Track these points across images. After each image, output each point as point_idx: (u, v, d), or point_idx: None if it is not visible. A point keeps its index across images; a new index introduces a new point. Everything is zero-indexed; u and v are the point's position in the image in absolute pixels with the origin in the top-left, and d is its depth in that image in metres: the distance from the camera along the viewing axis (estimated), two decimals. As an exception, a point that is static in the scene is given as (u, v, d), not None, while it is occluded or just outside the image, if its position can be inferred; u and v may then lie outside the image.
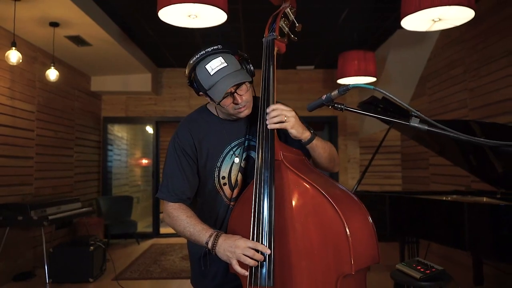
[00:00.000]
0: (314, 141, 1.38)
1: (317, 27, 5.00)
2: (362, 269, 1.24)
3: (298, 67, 6.93)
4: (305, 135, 1.37)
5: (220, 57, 1.32)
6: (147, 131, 8.54)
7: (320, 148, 1.42)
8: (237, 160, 1.48)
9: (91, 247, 4.23)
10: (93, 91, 6.55)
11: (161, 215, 6.58)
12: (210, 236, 1.35)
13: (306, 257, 1.24)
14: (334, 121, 7.08)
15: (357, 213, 1.30)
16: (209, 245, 1.34)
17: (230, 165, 1.49)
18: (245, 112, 1.43)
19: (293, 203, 1.29)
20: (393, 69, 5.65)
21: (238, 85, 1.35)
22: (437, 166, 5.14)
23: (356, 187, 3.84)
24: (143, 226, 7.47)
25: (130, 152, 9.10)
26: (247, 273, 1.28)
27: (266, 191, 1.30)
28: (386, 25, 4.97)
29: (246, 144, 1.51)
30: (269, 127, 1.32)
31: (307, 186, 1.27)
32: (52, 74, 4.24)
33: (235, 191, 1.51)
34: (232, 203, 1.51)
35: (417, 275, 1.85)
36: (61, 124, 5.51)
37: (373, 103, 3.41)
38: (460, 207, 2.63)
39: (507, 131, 2.90)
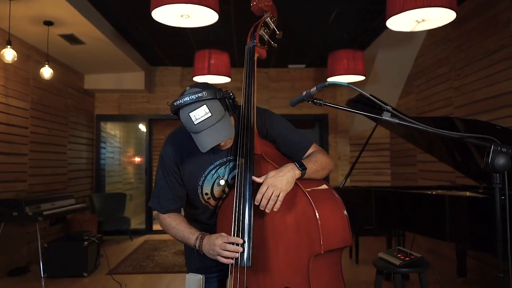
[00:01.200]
0: (306, 175, 1.43)
1: (308, 27, 5.11)
2: (333, 250, 1.36)
3: (290, 66, 7.04)
4: (296, 177, 1.39)
5: (205, 106, 1.35)
6: (140, 129, 8.59)
7: (312, 175, 1.46)
8: (222, 182, 1.57)
9: (85, 243, 4.30)
10: (87, 89, 6.60)
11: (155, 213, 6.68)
12: (196, 239, 1.51)
13: (281, 239, 1.39)
14: (325, 119, 7.20)
15: (329, 200, 1.44)
16: (196, 246, 1.51)
17: (212, 183, 1.59)
18: (227, 146, 1.53)
19: None
20: (382, 68, 5.77)
21: None
22: (425, 163, 5.27)
23: (344, 182, 3.95)
24: (136, 222, 7.53)
25: (123, 149, 9.14)
26: (231, 261, 1.42)
27: (247, 181, 1.42)
28: (374, 25, 5.09)
29: (230, 164, 1.58)
30: (275, 209, 1.37)
31: None
32: (47, 72, 4.30)
33: (219, 202, 1.63)
34: (213, 208, 1.66)
35: (397, 262, 1.96)
36: (55, 122, 5.57)
37: (360, 100, 3.52)
38: (442, 200, 2.76)
39: (488, 127, 3.03)
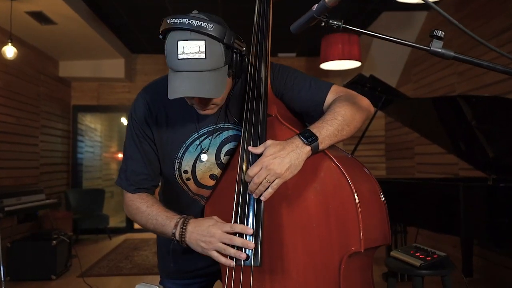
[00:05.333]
0: (321, 146, 1.02)
1: (299, 12, 4.75)
2: (372, 248, 1.00)
3: (280, 55, 6.68)
4: (304, 157, 1.00)
5: (202, 42, 0.97)
6: (122, 123, 8.18)
7: (333, 139, 1.05)
8: (204, 157, 1.17)
9: (54, 242, 3.88)
10: (62, 77, 6.14)
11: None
12: (176, 225, 1.08)
13: (302, 231, 1.00)
14: (317, 111, 6.87)
15: (367, 181, 1.05)
16: (177, 235, 1.07)
17: (195, 158, 1.18)
18: (208, 112, 1.11)
19: None
20: (378, 54, 5.45)
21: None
22: (423, 155, 4.96)
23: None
24: (117, 221, 7.10)
25: (104, 144, 8.73)
26: (233, 264, 1.01)
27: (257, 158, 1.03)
28: (371, 7, 4.76)
29: (221, 135, 1.18)
30: (262, 198, 0.99)
31: None
32: (9, 51, 3.85)
33: (204, 191, 1.21)
34: (197, 198, 1.22)
35: (417, 262, 1.60)
36: (24, 110, 5.10)
37: (359, 82, 3.18)
38: (455, 190, 2.42)
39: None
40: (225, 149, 1.18)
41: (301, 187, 1.02)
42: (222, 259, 1.01)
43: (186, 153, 1.18)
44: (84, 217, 5.93)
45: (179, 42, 0.97)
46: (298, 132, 1.03)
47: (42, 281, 3.84)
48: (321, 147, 1.00)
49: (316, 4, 0.75)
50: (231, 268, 1.04)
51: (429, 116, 3.27)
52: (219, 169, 1.18)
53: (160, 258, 1.40)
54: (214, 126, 1.17)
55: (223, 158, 1.18)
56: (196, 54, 0.97)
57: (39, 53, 5.49)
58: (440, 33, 0.73)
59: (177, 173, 1.19)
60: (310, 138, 0.99)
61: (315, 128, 1.02)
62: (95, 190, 6.66)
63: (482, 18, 3.81)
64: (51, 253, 3.87)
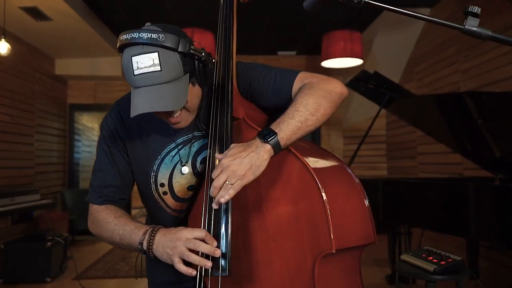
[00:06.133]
0: (283, 142, 0.95)
1: (298, 9, 4.66)
2: (348, 248, 0.93)
3: (280, 53, 6.59)
4: (265, 156, 0.94)
5: (155, 54, 0.93)
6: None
7: (297, 133, 0.98)
8: (185, 169, 1.11)
9: (49, 243, 3.78)
10: (58, 75, 6.03)
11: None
12: (145, 234, 1.01)
13: (273, 234, 0.96)
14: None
15: (342, 179, 1.00)
16: (144, 245, 1.00)
17: (171, 170, 1.12)
18: (180, 125, 1.06)
19: None
20: (380, 52, 5.36)
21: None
22: (426, 155, 4.87)
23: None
24: (115, 221, 7.00)
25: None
26: (194, 273, 0.94)
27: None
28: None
29: (196, 144, 1.12)
30: (221, 200, 0.92)
31: None
32: (3, 47, 3.75)
33: (182, 205, 1.14)
34: (176, 214, 1.16)
35: (430, 267, 1.51)
36: (19, 109, 4.99)
37: (363, 79, 3.09)
38: (465, 190, 2.33)
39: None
40: (200, 157, 1.12)
41: (269, 189, 0.97)
42: (183, 268, 0.94)
43: (162, 165, 1.12)
44: (80, 217, 5.80)
45: (132, 58, 0.93)
46: None
47: (36, 283, 3.74)
48: (283, 143, 0.95)
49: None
50: (198, 278, 0.97)
51: (434, 114, 3.18)
52: (196, 179, 1.13)
53: (149, 265, 1.31)
54: (191, 135, 1.12)
55: (199, 167, 1.12)
56: (151, 67, 0.93)
57: (34, 50, 5.38)
58: (476, 9, 0.64)
59: (153, 186, 1.13)
60: (268, 136, 0.94)
61: (275, 125, 0.97)
62: (92, 190, 6.55)
63: (487, 13, 3.72)
64: (45, 255, 3.77)
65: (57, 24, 4.54)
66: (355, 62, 4.67)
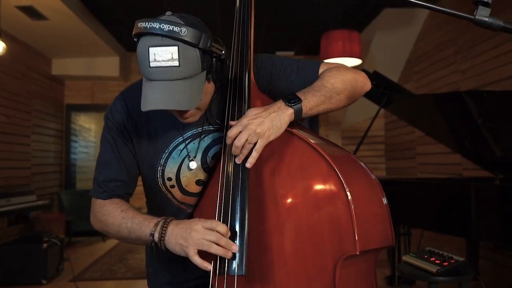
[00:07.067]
0: (305, 110, 0.96)
1: (296, 8, 4.64)
2: (370, 251, 0.89)
3: (278, 53, 6.56)
4: (286, 119, 0.93)
5: (175, 48, 0.88)
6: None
7: (318, 107, 0.97)
8: (193, 165, 1.07)
9: (45, 244, 3.73)
10: (55, 75, 5.99)
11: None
12: (156, 225, 0.96)
13: (290, 234, 0.91)
14: (315, 111, 6.76)
15: (363, 177, 0.96)
16: (156, 236, 0.95)
17: (179, 164, 1.08)
18: (189, 120, 1.03)
19: (275, 163, 0.96)
20: (378, 51, 5.34)
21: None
22: (425, 155, 4.86)
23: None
24: (112, 223, 6.96)
25: (98, 144, 8.55)
26: (210, 267, 0.89)
27: (240, 167, 0.96)
28: (372, 4, 4.65)
29: (207, 139, 1.08)
30: (247, 165, 0.92)
31: (295, 140, 0.95)
32: (-2, 46, 3.71)
33: (190, 199, 1.11)
34: (183, 206, 1.12)
35: (433, 268, 1.48)
36: (15, 109, 4.95)
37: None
38: (466, 190, 2.31)
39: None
40: (211, 152, 1.08)
41: (289, 186, 0.93)
42: (199, 261, 0.89)
43: (169, 159, 1.08)
44: (77, 219, 5.77)
45: (150, 48, 0.89)
46: (289, 128, 0.96)
47: (32, 285, 3.69)
48: (305, 111, 0.95)
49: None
50: (214, 278, 0.92)
51: (434, 114, 3.16)
52: (205, 174, 1.09)
53: (150, 264, 1.27)
54: (200, 129, 1.08)
55: (209, 162, 1.08)
56: (169, 62, 0.88)
57: (31, 50, 5.34)
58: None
59: (160, 180, 1.09)
60: (293, 100, 0.94)
61: (300, 93, 0.96)
62: (89, 191, 6.40)
63: (491, 10, 3.70)
64: (41, 256, 3.72)
65: (53, 24, 4.50)
66: (354, 62, 4.65)
